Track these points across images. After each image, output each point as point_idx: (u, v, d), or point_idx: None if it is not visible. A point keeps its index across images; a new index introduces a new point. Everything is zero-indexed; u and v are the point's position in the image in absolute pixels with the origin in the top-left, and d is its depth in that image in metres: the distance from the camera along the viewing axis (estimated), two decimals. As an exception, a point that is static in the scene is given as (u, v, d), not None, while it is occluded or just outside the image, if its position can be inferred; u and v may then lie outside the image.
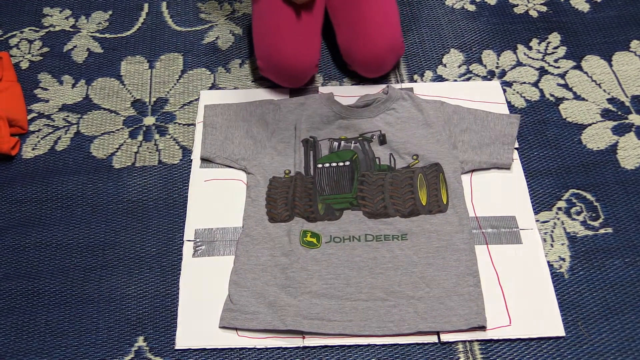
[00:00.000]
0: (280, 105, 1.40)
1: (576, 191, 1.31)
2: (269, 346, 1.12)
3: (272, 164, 1.32)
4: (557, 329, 1.13)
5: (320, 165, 1.31)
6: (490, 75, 1.50)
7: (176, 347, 1.12)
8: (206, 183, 1.32)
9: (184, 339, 1.13)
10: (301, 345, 1.12)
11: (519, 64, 1.52)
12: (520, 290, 1.17)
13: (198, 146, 1.37)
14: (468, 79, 1.49)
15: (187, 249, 1.23)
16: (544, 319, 1.14)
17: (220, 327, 1.13)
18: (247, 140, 1.36)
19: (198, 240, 1.24)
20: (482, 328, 1.12)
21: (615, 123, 1.41)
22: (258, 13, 1.44)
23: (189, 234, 1.25)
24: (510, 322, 1.13)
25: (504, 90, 1.47)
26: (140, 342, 1.14)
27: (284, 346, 1.12)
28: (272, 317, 1.13)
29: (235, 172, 1.33)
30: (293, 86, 1.46)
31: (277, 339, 1.12)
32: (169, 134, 1.41)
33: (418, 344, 1.12)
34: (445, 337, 1.12)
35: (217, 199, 1.30)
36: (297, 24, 1.40)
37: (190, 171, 1.35)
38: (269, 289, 1.16)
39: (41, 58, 1.57)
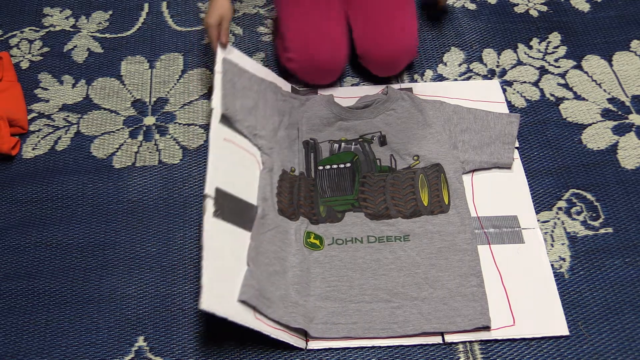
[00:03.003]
0: (287, 99, 1.39)
1: (576, 191, 1.31)
2: (279, 338, 1.09)
3: (281, 155, 1.30)
4: (561, 328, 1.13)
5: (321, 168, 1.31)
6: (490, 74, 1.50)
7: (201, 307, 1.00)
8: (226, 142, 1.23)
9: (209, 301, 1.01)
10: (305, 348, 1.12)
11: (520, 63, 1.52)
12: (524, 290, 1.17)
13: (218, 96, 1.24)
14: (469, 78, 1.49)
15: (209, 204, 1.11)
16: (547, 318, 1.14)
17: (239, 301, 1.07)
18: (264, 121, 1.31)
19: (218, 202, 1.13)
20: (487, 328, 1.12)
21: (615, 123, 1.41)
22: (286, 6, 1.45)
23: (209, 189, 1.12)
24: (514, 322, 1.13)
25: (504, 90, 1.46)
26: (141, 342, 1.14)
27: (289, 342, 1.10)
28: (284, 312, 1.11)
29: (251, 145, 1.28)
30: (323, 82, 1.45)
31: (285, 332, 1.11)
32: (169, 134, 1.41)
33: (419, 344, 1.12)
34: (449, 338, 1.12)
35: (236, 165, 1.21)
36: (329, 16, 1.42)
37: (189, 171, 1.35)
38: (280, 281, 1.14)
39: (41, 58, 1.57)
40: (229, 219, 1.13)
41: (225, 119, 1.24)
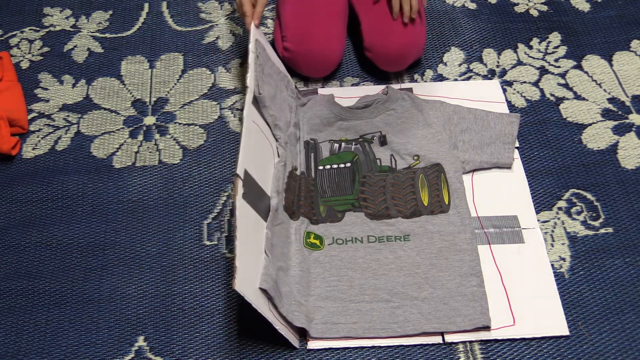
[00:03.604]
0: (294, 96, 1.39)
1: (576, 191, 1.31)
2: (285, 335, 1.08)
3: (290, 152, 1.30)
4: (561, 328, 1.13)
5: (321, 167, 1.31)
6: (490, 74, 1.50)
7: (235, 287, 0.97)
8: (254, 125, 1.21)
9: (242, 283, 0.99)
10: (305, 348, 1.12)
11: (520, 63, 1.52)
12: (524, 290, 1.17)
13: (252, 76, 1.23)
14: (469, 78, 1.49)
15: (239, 185, 1.09)
16: (548, 318, 1.14)
17: (259, 288, 1.05)
18: (280, 113, 1.30)
19: (247, 183, 1.11)
20: (487, 328, 1.12)
21: (615, 123, 1.41)
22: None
23: (240, 169, 1.10)
24: (514, 322, 1.13)
25: (504, 90, 1.46)
26: (141, 341, 1.14)
27: (289, 340, 1.10)
28: (288, 309, 1.10)
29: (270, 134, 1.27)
30: (316, 75, 1.47)
31: (287, 330, 1.10)
32: (170, 134, 1.41)
33: (419, 344, 1.12)
34: (449, 338, 1.12)
35: (258, 151, 1.19)
36: (328, 10, 1.43)
37: (190, 170, 1.35)
38: (284, 278, 1.13)
39: (41, 58, 1.57)
40: (251, 204, 1.12)
41: (255, 102, 1.23)
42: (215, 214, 1.29)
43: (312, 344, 1.12)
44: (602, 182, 1.32)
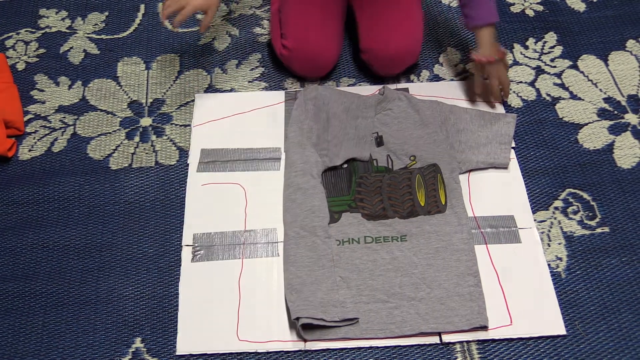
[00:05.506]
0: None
1: (573, 191, 1.31)
2: (270, 350, 1.11)
3: None
4: (558, 327, 1.13)
5: (318, 168, 1.31)
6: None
7: (177, 353, 1.11)
8: (203, 187, 1.31)
9: (185, 345, 1.12)
10: (303, 349, 1.12)
11: (516, 63, 1.52)
12: (521, 290, 1.17)
13: (194, 151, 1.36)
14: (465, 78, 1.49)
15: (186, 253, 1.22)
16: (544, 318, 1.14)
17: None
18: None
19: (197, 245, 1.23)
20: (484, 328, 1.12)
21: (611, 122, 1.41)
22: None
23: (187, 238, 1.24)
24: (511, 322, 1.13)
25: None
26: (138, 343, 1.14)
27: (285, 350, 1.11)
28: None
29: (233, 175, 1.32)
30: (312, 75, 1.47)
31: (278, 342, 1.11)
32: (166, 135, 1.41)
33: (416, 344, 1.12)
34: (446, 338, 1.12)
35: (215, 202, 1.29)
36: (330, 11, 1.44)
37: (187, 172, 1.35)
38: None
39: (37, 59, 1.56)
40: (209, 257, 1.23)
41: (203, 165, 1.36)
42: (212, 215, 1.29)
43: (310, 345, 1.12)
44: (599, 181, 1.32)
